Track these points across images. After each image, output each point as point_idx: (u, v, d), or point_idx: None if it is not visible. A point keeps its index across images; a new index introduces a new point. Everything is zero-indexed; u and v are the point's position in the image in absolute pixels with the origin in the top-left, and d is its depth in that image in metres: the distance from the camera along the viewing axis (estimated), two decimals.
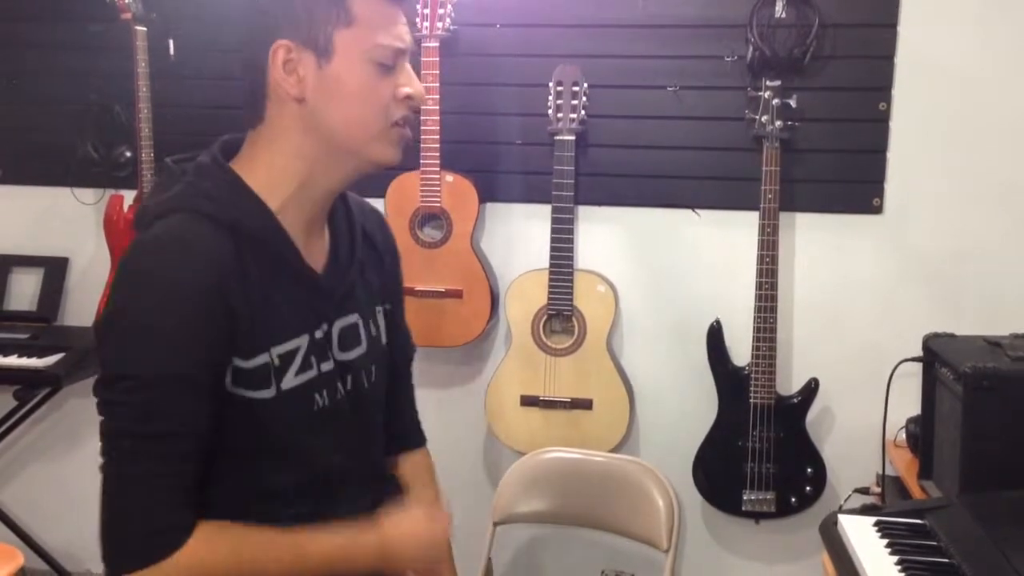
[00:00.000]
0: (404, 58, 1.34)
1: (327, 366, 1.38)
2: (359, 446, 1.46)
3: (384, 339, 1.52)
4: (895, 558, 1.62)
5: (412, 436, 1.70)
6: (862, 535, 1.72)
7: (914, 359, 2.21)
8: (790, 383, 2.76)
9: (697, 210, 2.80)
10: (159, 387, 1.20)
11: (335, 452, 1.40)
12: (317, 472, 1.38)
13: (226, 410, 1.27)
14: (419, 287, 2.80)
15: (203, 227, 1.25)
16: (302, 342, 1.34)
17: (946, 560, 1.61)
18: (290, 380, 1.32)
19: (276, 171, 1.31)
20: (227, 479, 1.30)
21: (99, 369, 1.24)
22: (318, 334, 1.37)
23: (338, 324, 1.41)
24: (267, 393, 1.29)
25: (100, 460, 1.23)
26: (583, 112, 2.69)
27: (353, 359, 1.44)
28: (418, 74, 2.69)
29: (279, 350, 1.30)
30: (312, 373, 1.35)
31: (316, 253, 1.39)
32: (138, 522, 1.20)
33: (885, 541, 1.69)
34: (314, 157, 1.32)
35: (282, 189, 1.31)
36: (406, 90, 1.33)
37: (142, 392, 1.20)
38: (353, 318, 1.44)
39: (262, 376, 1.28)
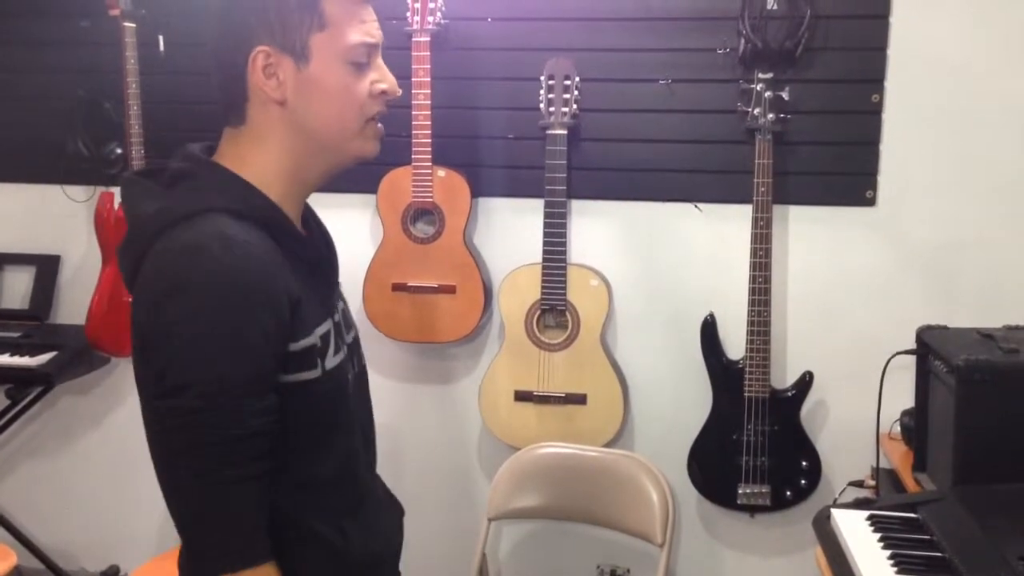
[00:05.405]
0: (377, 53, 1.36)
1: (344, 348, 1.41)
2: (368, 429, 1.50)
3: None
4: (888, 552, 1.63)
5: None
6: (855, 529, 1.72)
7: (908, 352, 2.20)
8: (784, 376, 2.76)
9: (696, 204, 2.79)
10: (239, 389, 1.19)
11: (357, 436, 1.43)
12: (346, 460, 1.40)
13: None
14: (412, 282, 2.79)
15: (241, 225, 1.25)
16: (329, 326, 1.37)
17: (938, 554, 1.61)
18: (331, 360, 1.34)
19: (268, 168, 1.33)
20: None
21: (154, 381, 1.20)
22: (336, 317, 1.41)
23: (339, 307, 1.45)
24: (314, 373, 1.30)
25: (168, 472, 1.21)
26: (575, 106, 2.68)
27: (352, 341, 1.48)
28: (409, 68, 2.71)
29: (320, 331, 1.33)
30: (342, 355, 1.39)
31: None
32: (241, 522, 1.21)
33: (878, 535, 1.69)
34: (300, 153, 1.34)
35: (276, 185, 1.33)
36: (381, 86, 1.36)
37: (223, 396, 1.18)
38: (342, 303, 1.48)
39: (310, 357, 1.30)
